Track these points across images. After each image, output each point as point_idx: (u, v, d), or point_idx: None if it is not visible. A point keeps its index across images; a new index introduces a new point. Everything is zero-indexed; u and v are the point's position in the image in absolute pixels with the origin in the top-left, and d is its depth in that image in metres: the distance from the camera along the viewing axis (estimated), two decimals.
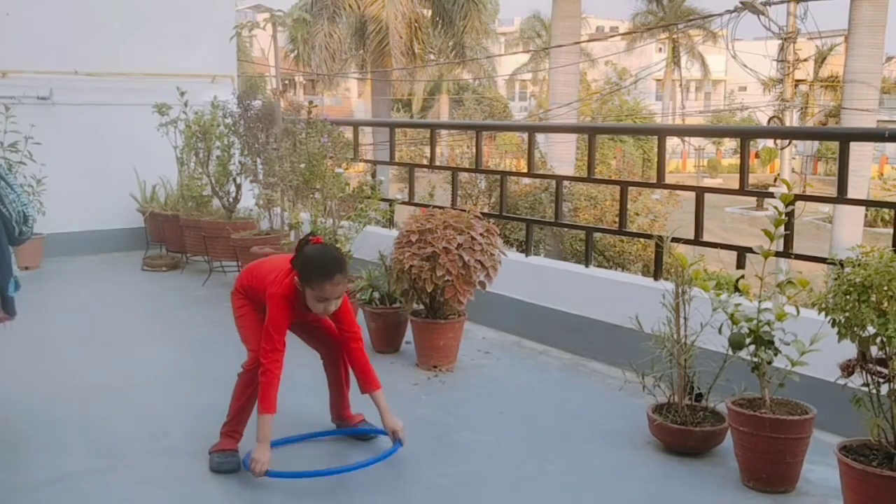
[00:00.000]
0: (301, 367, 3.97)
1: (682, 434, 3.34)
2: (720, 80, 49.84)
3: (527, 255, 5.55)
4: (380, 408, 3.34)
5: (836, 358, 2.85)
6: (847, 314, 2.71)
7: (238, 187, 6.70)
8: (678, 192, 12.50)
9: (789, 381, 3.10)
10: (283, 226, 6.13)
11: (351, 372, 3.50)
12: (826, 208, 22.63)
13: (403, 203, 6.50)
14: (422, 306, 4.53)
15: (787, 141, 18.95)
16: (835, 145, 4.38)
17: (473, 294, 4.42)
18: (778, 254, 3.81)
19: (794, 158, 30.54)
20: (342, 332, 3.37)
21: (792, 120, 20.59)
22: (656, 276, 4.58)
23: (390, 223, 6.45)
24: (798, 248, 4.07)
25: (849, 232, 15.11)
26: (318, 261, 3.14)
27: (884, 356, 2.71)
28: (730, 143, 36.01)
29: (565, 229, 14.23)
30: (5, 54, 7.03)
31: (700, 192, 4.58)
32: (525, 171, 6.36)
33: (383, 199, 6.11)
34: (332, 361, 3.53)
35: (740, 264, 4.00)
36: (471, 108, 35.53)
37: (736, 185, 4.42)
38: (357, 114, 39.71)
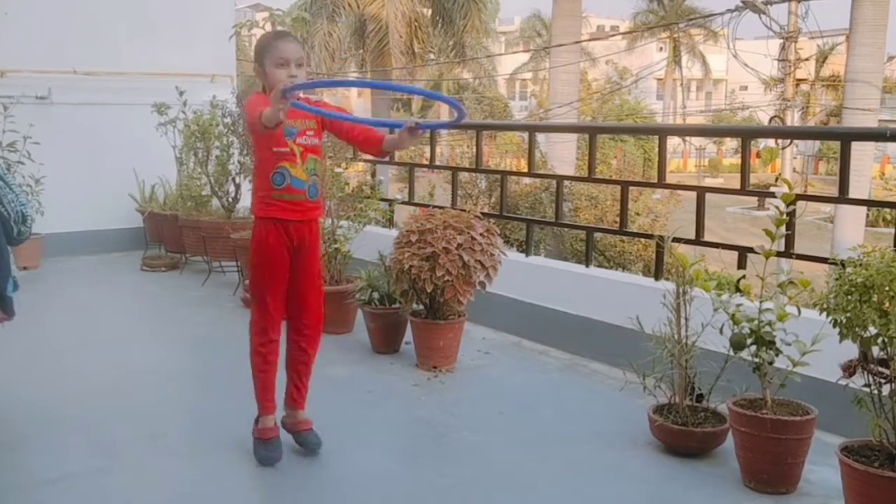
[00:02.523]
0: None
1: (683, 435, 3.33)
2: (721, 80, 49.84)
3: (527, 256, 5.54)
4: (397, 141, 3.21)
5: (838, 358, 2.84)
6: (848, 314, 2.69)
7: (237, 187, 6.68)
8: (679, 191, 12.49)
9: (791, 382, 3.08)
10: None
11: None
12: (827, 208, 22.60)
13: (403, 203, 6.49)
14: (421, 306, 4.52)
15: (789, 141, 18.93)
16: (836, 145, 4.36)
17: (473, 294, 4.40)
18: (779, 254, 3.79)
19: (795, 158, 30.57)
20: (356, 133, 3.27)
21: (793, 119, 20.59)
22: (657, 277, 4.57)
23: (390, 223, 6.43)
24: (799, 248, 4.05)
25: (850, 232, 15.09)
26: (268, 33, 3.39)
27: (885, 356, 2.70)
28: (731, 143, 35.99)
29: (566, 229, 14.21)
30: (4, 54, 7.02)
31: (701, 191, 4.56)
32: (525, 170, 6.35)
33: (383, 199, 6.10)
34: (295, 334, 3.35)
35: (741, 264, 3.98)
36: (471, 107, 35.50)
37: (737, 185, 4.40)
38: (357, 113, 39.64)
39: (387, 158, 6.99)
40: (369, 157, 6.05)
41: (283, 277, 3.23)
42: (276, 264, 3.21)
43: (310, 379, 3.40)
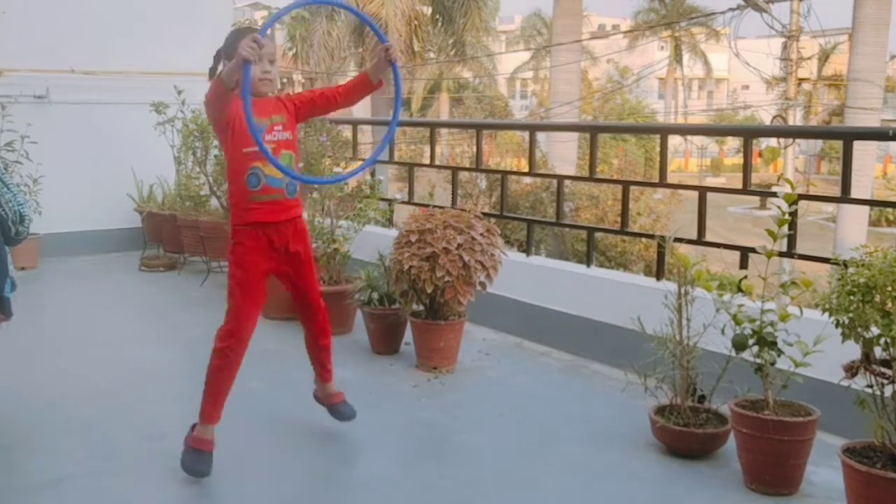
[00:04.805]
0: (298, 369, 3.96)
1: (685, 436, 3.31)
2: (723, 79, 49.83)
3: (528, 256, 5.52)
4: (377, 67, 3.14)
5: (840, 359, 2.81)
6: (851, 315, 2.67)
7: None
8: (680, 191, 12.48)
9: (793, 383, 3.06)
10: None
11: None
12: (830, 208, 22.59)
13: (403, 203, 6.46)
14: (421, 307, 4.50)
15: (791, 140, 18.90)
16: (838, 144, 4.35)
17: (474, 295, 4.38)
18: (781, 254, 3.76)
19: (797, 157, 30.50)
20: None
21: (795, 119, 20.53)
22: (658, 277, 4.55)
23: (390, 223, 6.41)
24: (801, 248, 4.03)
25: (853, 232, 15.09)
26: (238, 30, 3.21)
27: (888, 357, 2.68)
28: (733, 142, 35.98)
29: (567, 229, 14.20)
30: (2, 53, 6.99)
31: (703, 191, 4.55)
32: (526, 170, 6.32)
33: (382, 199, 6.07)
34: (311, 332, 3.44)
35: (743, 265, 3.97)
36: (471, 106, 35.48)
37: (739, 185, 4.38)
38: (356, 112, 39.60)
39: (386, 158, 6.96)
40: (368, 156, 6.02)
41: (260, 288, 3.15)
42: (253, 273, 3.12)
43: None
